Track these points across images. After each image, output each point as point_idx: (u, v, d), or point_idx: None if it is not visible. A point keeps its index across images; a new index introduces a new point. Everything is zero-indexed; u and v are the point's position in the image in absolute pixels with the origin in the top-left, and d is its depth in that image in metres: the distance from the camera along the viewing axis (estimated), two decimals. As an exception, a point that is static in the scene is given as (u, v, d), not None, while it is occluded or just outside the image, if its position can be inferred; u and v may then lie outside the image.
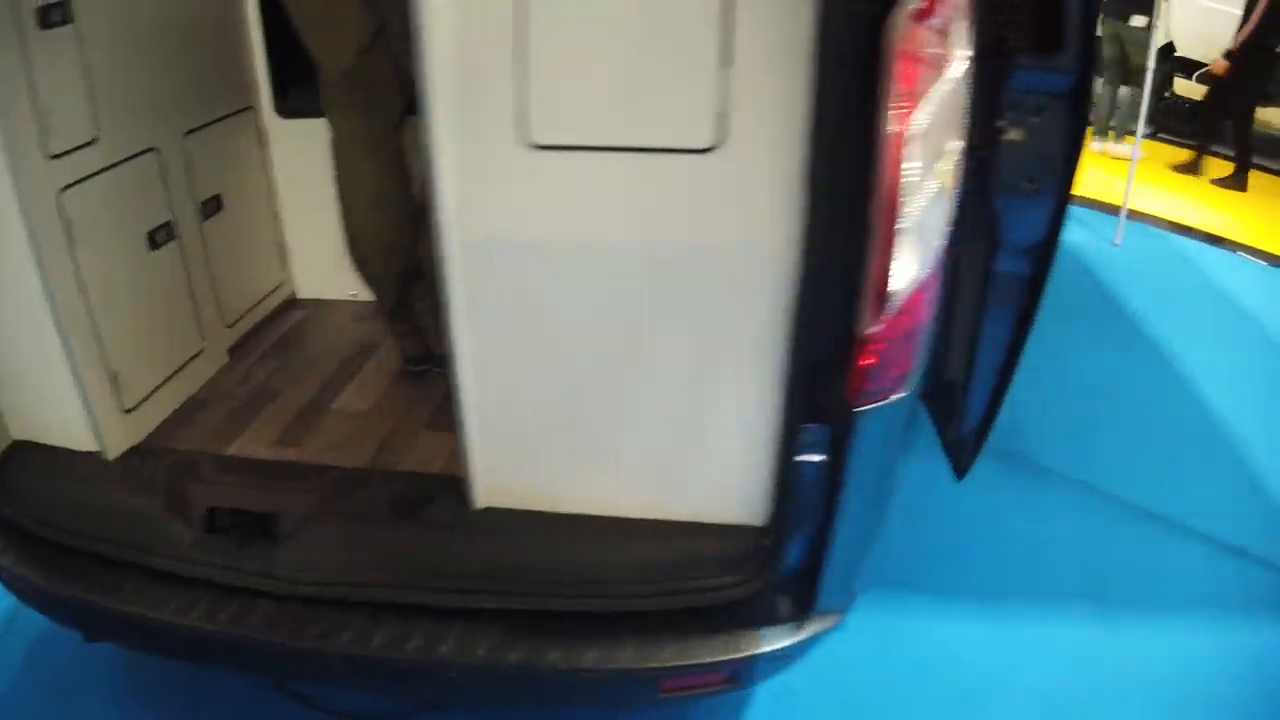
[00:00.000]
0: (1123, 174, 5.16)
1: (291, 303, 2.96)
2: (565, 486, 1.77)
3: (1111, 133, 6.64)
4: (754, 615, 1.68)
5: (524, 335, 1.66)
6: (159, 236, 2.28)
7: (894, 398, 1.47)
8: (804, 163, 1.37)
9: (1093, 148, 6.58)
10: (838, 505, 1.56)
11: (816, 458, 1.56)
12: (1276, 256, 5.09)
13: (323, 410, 2.37)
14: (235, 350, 2.64)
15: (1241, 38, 5.81)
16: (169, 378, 2.33)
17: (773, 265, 1.46)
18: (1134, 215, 5.25)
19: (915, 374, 1.48)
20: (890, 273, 1.32)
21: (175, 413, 2.33)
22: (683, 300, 1.55)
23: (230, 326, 2.65)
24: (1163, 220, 5.49)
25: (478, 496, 1.83)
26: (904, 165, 1.25)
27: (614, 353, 1.63)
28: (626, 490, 1.74)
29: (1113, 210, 5.13)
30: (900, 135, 1.24)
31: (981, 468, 3.11)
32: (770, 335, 1.51)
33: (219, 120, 2.55)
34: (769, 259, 1.45)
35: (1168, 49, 7.20)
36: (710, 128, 1.40)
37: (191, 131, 2.42)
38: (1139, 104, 6.45)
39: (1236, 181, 6.07)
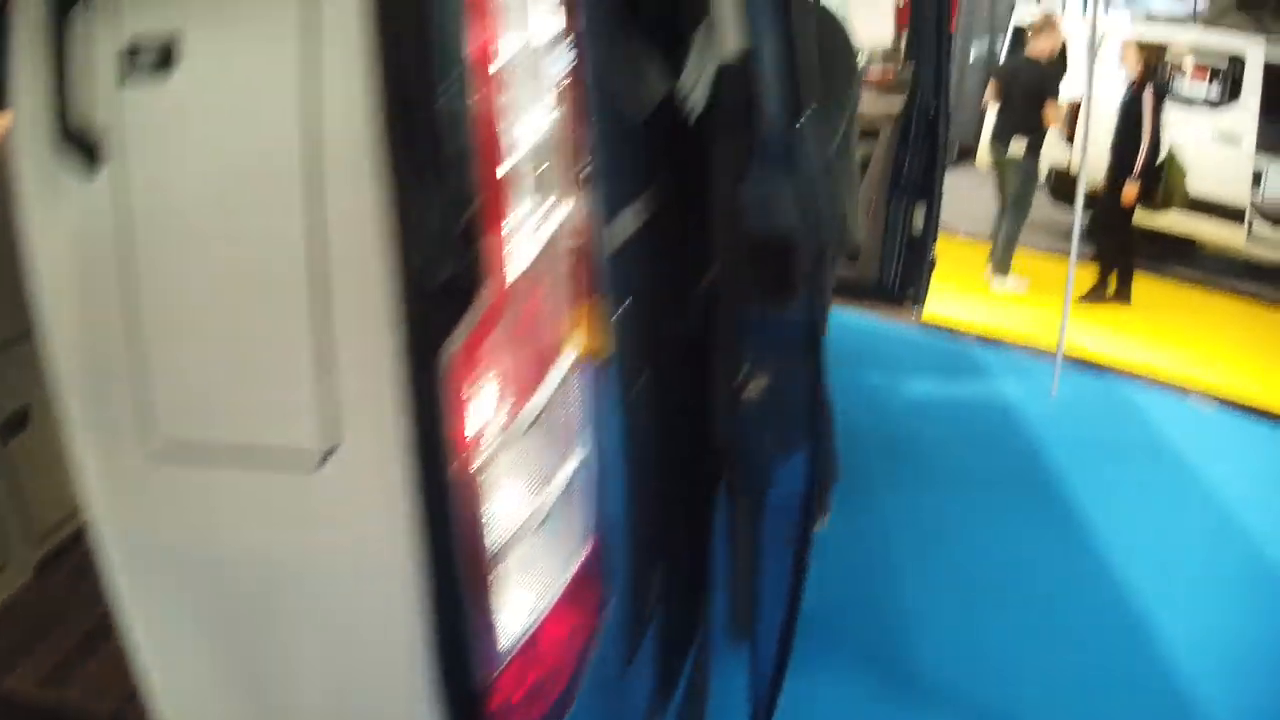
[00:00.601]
0: (1052, 308, 4.85)
1: None
2: None
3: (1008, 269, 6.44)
4: None
5: (199, 639, 1.54)
6: None
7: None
8: (408, 479, 1.24)
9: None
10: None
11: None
12: (1230, 400, 4.80)
13: (102, 640, 2.24)
14: (44, 564, 2.53)
15: (1141, 158, 5.92)
16: None
17: (397, 588, 1.31)
18: (1075, 359, 4.99)
19: (573, 701, 1.29)
20: (492, 621, 1.15)
21: None
22: (325, 612, 1.41)
23: (40, 542, 2.53)
24: (1105, 363, 5.19)
25: None
26: (482, 522, 1.11)
27: (279, 658, 1.49)
28: None
29: (1050, 355, 4.83)
30: (471, 485, 1.11)
31: (851, 688, 2.72)
32: (420, 662, 1.35)
33: (22, 333, 2.46)
34: (391, 581, 1.30)
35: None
36: (318, 433, 1.29)
37: None
38: (1011, 235, 6.29)
39: (1123, 291, 6.15)
